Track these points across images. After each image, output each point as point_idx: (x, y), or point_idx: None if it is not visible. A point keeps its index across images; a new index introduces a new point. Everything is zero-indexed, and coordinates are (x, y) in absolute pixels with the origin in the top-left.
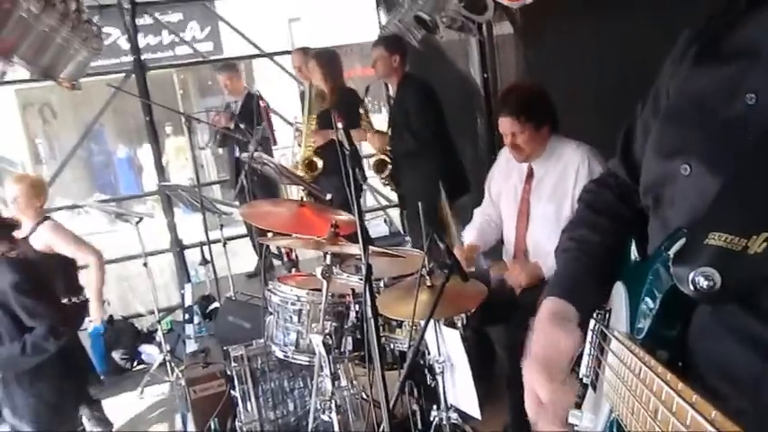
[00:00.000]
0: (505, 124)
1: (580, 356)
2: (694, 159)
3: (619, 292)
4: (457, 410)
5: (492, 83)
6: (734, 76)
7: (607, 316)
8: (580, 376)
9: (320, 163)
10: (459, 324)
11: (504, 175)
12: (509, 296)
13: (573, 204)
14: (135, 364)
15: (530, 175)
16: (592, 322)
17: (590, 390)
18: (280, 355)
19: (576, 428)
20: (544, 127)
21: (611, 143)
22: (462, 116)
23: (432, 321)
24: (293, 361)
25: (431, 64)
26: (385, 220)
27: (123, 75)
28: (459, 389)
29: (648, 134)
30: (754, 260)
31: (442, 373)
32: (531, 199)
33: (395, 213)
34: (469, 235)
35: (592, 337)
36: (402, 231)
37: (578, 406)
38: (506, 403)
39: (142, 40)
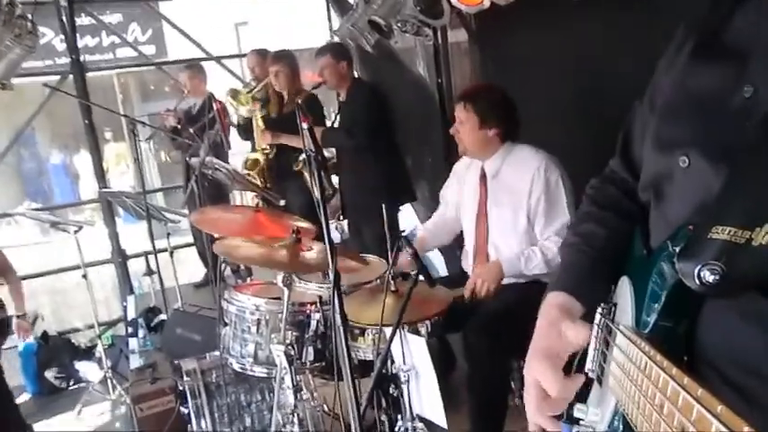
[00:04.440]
0: (456, 109)
1: (585, 351)
2: (692, 152)
3: (624, 287)
4: (422, 420)
5: (446, 88)
6: (730, 69)
7: (613, 310)
8: (586, 370)
9: (262, 160)
10: (424, 331)
11: (462, 182)
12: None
13: (529, 212)
14: (71, 383)
15: (483, 176)
16: (597, 316)
17: (595, 384)
18: (237, 367)
19: (581, 422)
20: (491, 129)
21: (564, 149)
22: (418, 122)
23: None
24: (251, 373)
25: (384, 69)
26: (336, 228)
27: (59, 76)
28: (425, 398)
29: (647, 131)
30: (759, 251)
31: (407, 381)
32: (489, 203)
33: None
34: (421, 230)
35: (597, 331)
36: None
37: (584, 400)
38: (467, 410)
39: (79, 42)
